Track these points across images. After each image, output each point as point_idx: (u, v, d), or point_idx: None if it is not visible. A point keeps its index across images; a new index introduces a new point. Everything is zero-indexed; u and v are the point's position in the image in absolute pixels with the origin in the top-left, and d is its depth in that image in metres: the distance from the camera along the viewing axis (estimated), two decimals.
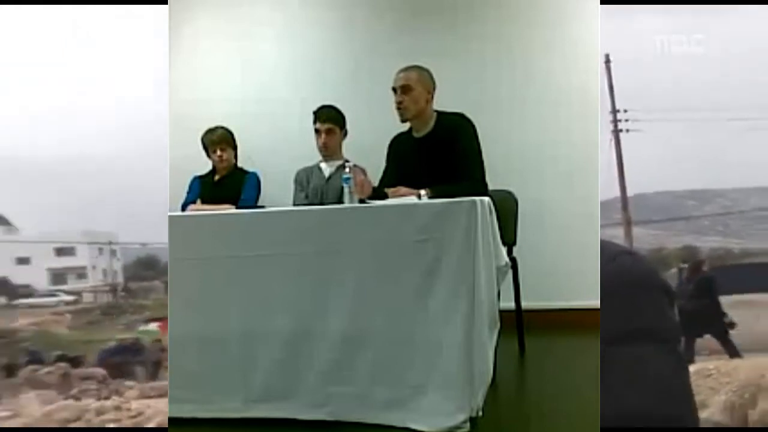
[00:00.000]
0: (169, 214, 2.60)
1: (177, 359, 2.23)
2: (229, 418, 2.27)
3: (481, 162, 2.85)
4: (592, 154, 3.63)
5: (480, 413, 2.12)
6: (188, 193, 3.60)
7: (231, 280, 2.34)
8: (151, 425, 2.43)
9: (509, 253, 2.99)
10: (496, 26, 3.94)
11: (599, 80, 3.83)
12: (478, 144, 2.86)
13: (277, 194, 3.60)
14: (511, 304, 3.11)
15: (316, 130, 3.42)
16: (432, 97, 2.94)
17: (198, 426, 2.25)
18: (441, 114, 2.96)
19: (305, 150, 3.55)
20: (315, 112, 3.43)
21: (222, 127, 3.59)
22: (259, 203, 3.52)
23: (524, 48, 3.93)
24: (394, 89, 2.91)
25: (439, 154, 2.85)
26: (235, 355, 2.32)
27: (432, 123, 2.94)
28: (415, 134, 3.00)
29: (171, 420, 2.17)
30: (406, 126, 3.06)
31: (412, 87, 2.88)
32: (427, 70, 2.95)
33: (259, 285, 2.31)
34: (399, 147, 3.09)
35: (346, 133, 3.50)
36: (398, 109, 2.90)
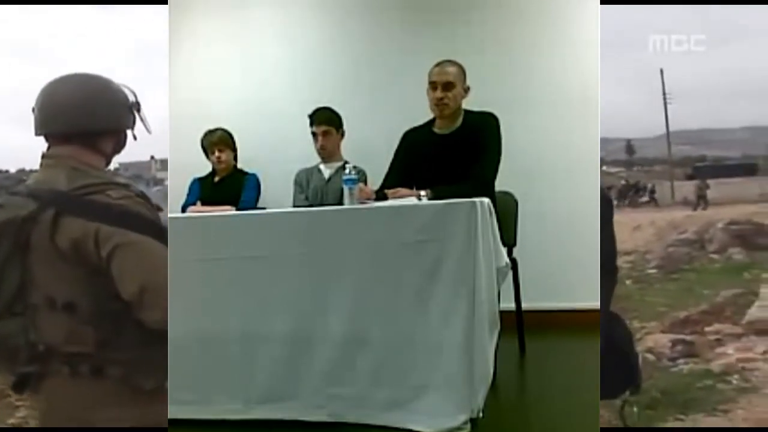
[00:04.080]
0: (169, 215, 2.60)
1: (177, 360, 2.22)
2: (229, 419, 2.28)
3: (497, 164, 2.81)
4: (592, 154, 3.62)
5: (480, 414, 2.12)
6: (188, 194, 3.61)
7: (231, 281, 2.34)
8: None
9: (509, 254, 2.98)
10: (496, 26, 3.94)
11: (599, 80, 3.82)
12: (500, 145, 2.83)
13: (277, 195, 3.60)
14: (512, 305, 3.11)
15: (313, 133, 3.42)
16: (465, 96, 2.91)
17: (198, 427, 2.25)
18: (468, 112, 2.92)
19: (305, 151, 3.55)
20: (310, 115, 3.43)
21: (221, 129, 3.60)
22: (260, 204, 3.52)
23: (524, 48, 3.92)
24: (433, 84, 2.83)
25: (463, 152, 2.80)
26: (235, 357, 2.32)
27: (459, 121, 2.90)
28: (438, 130, 2.94)
29: (171, 421, 2.17)
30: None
31: (454, 84, 2.82)
32: (463, 67, 2.90)
33: (260, 286, 2.31)
34: (414, 142, 3.00)
35: (343, 134, 3.49)
36: (438, 105, 2.82)
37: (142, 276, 1.16)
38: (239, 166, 3.67)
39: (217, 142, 3.54)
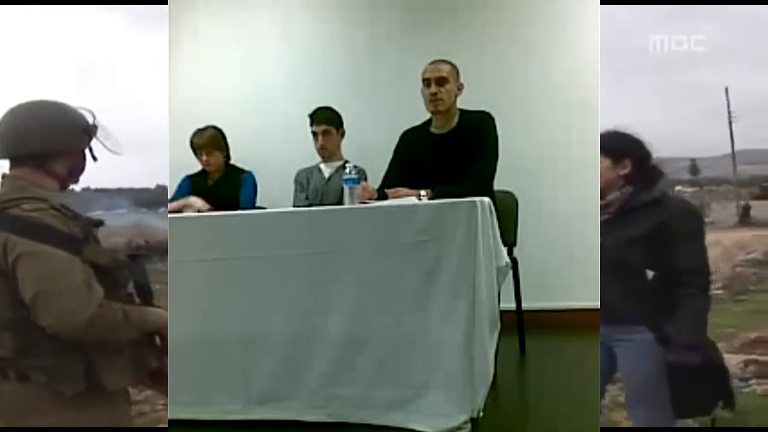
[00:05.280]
0: (169, 215, 2.60)
1: (177, 361, 2.22)
2: (229, 420, 2.28)
3: (495, 163, 2.82)
4: (592, 154, 3.61)
5: (481, 414, 2.12)
6: (176, 191, 3.54)
7: (231, 281, 2.34)
8: None
9: (509, 253, 2.98)
10: (496, 27, 3.94)
11: (599, 80, 3.82)
12: (497, 144, 2.84)
13: (277, 195, 3.59)
14: (512, 305, 3.11)
15: (313, 133, 3.41)
16: (459, 94, 2.92)
17: (198, 428, 2.25)
18: (464, 111, 2.93)
19: (305, 151, 3.54)
20: (310, 115, 3.42)
21: (212, 128, 3.48)
22: (260, 204, 3.51)
23: (524, 48, 3.92)
24: (427, 80, 2.85)
25: (460, 152, 2.80)
26: (235, 357, 2.32)
27: (455, 120, 2.91)
28: (435, 130, 2.95)
29: (171, 422, 2.17)
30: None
31: (447, 79, 2.84)
32: (456, 66, 2.91)
33: (260, 286, 2.31)
34: (412, 142, 3.01)
35: (343, 133, 3.49)
36: (433, 100, 2.84)
37: (36, 283, 1.22)
38: (237, 164, 3.59)
39: (205, 144, 3.42)
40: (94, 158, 1.44)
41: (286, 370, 2.27)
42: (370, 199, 2.62)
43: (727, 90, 17.40)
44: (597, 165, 1.86)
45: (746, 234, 8.85)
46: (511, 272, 2.86)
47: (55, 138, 1.36)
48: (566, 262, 3.72)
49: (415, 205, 2.30)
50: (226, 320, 2.34)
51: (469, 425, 2.09)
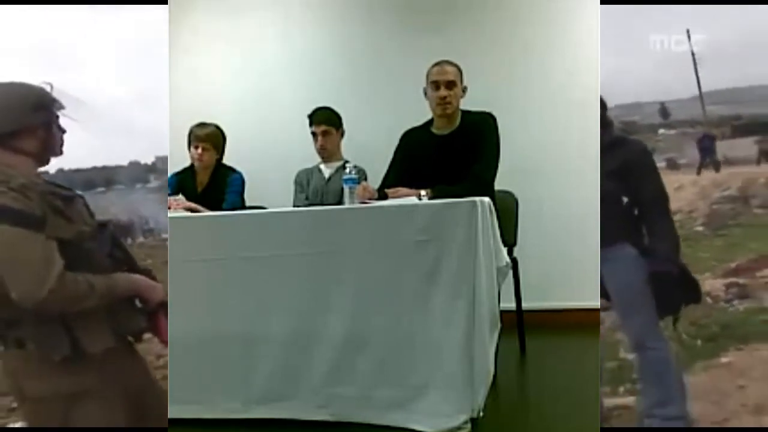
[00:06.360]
0: (169, 215, 2.60)
1: (178, 360, 2.23)
2: (229, 419, 2.28)
3: (496, 164, 2.82)
4: (592, 154, 3.61)
5: (481, 414, 2.12)
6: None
7: (232, 281, 2.34)
8: None
9: (509, 253, 2.98)
10: (495, 26, 3.94)
11: (599, 80, 3.82)
12: (498, 145, 2.84)
13: (277, 195, 3.59)
14: (512, 305, 3.11)
15: (313, 133, 3.41)
16: (463, 96, 2.92)
17: (198, 427, 2.25)
18: (465, 112, 2.93)
19: (305, 151, 3.55)
20: (310, 115, 3.41)
21: (214, 126, 3.44)
22: (260, 204, 3.49)
23: (524, 48, 3.92)
24: (435, 83, 2.85)
25: (461, 153, 2.81)
26: (236, 357, 2.32)
27: (457, 122, 2.91)
28: (436, 131, 2.95)
29: (171, 421, 2.17)
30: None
31: (455, 82, 2.85)
32: (460, 67, 2.91)
33: (260, 286, 2.31)
34: (413, 142, 3.01)
35: (343, 133, 3.48)
36: (441, 104, 2.84)
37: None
38: (237, 164, 3.57)
39: (203, 138, 3.37)
40: (62, 131, 1.46)
41: (286, 369, 2.27)
42: (370, 199, 2.62)
43: (688, 32, 17.36)
44: (597, 165, 1.88)
45: (720, 173, 9.14)
46: (511, 272, 2.86)
47: (9, 117, 1.37)
48: (566, 262, 3.72)
49: (415, 205, 2.30)
50: (226, 320, 2.34)
51: (469, 425, 2.09)
